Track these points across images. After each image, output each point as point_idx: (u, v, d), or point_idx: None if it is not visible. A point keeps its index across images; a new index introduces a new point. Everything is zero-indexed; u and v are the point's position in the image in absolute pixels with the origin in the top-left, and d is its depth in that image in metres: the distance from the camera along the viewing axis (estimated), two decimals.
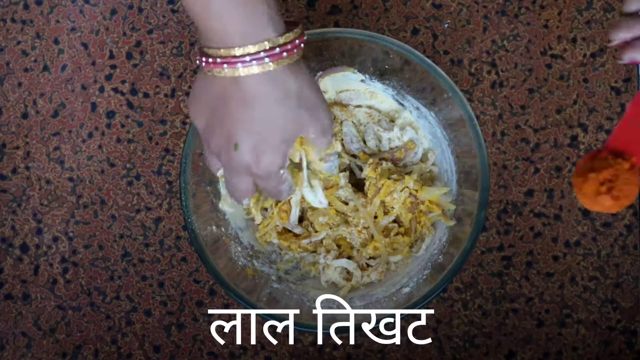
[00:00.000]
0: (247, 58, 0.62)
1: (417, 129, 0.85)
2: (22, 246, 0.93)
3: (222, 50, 0.62)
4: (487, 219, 0.91)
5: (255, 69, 0.62)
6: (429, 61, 0.77)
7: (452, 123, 0.79)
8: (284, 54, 0.63)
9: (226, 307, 0.92)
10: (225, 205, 0.81)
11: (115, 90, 0.94)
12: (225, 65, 0.62)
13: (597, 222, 0.92)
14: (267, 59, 0.62)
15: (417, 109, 0.84)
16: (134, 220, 0.93)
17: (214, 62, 0.63)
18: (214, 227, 0.82)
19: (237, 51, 0.62)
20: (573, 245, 0.92)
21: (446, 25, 0.94)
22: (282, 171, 0.69)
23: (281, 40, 0.63)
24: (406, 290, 0.80)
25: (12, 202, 0.93)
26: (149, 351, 0.92)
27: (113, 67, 0.94)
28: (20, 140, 0.93)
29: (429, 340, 0.92)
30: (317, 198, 0.77)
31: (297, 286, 0.84)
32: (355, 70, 0.84)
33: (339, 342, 0.92)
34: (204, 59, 0.64)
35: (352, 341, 0.92)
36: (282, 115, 0.65)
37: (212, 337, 0.92)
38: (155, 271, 0.92)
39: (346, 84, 0.85)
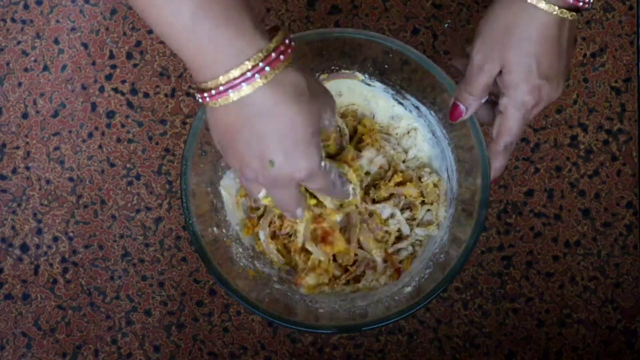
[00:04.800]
0: (248, 74, 0.61)
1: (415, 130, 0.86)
2: (22, 246, 0.93)
3: (220, 77, 0.61)
4: (487, 218, 0.91)
5: (259, 82, 0.61)
6: (429, 61, 0.77)
7: (452, 122, 0.79)
8: (281, 57, 0.62)
9: (226, 307, 0.92)
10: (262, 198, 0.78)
11: (115, 90, 0.94)
12: (230, 91, 0.61)
13: (597, 222, 0.92)
14: (267, 69, 0.61)
15: (417, 108, 0.84)
16: (134, 220, 0.93)
17: (218, 93, 0.61)
18: (215, 229, 0.81)
19: (236, 72, 0.61)
20: (573, 245, 0.92)
21: (446, 25, 0.94)
22: (322, 163, 0.67)
23: (272, 44, 0.62)
24: (407, 289, 0.80)
25: (12, 202, 0.93)
26: (149, 351, 0.92)
27: (113, 67, 0.94)
28: (20, 140, 0.93)
29: (428, 340, 0.92)
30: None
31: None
32: (363, 78, 0.84)
33: (339, 342, 0.92)
34: (204, 95, 0.62)
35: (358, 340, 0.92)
36: (301, 113, 0.63)
37: (212, 337, 0.92)
38: (155, 271, 0.92)
39: (351, 95, 0.85)
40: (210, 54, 0.61)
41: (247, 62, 0.60)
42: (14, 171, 0.93)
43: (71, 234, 0.93)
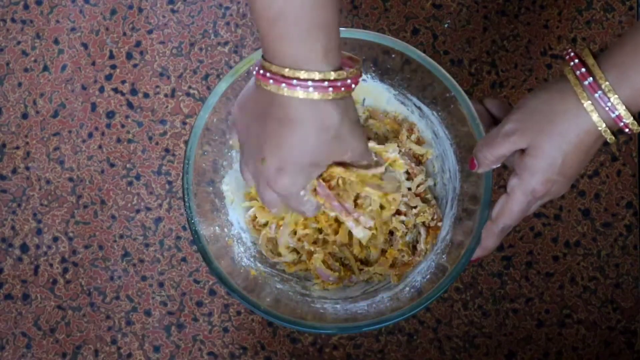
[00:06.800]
0: (294, 82, 0.62)
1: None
2: (22, 246, 0.93)
3: (273, 66, 0.63)
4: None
5: (299, 93, 0.63)
6: (431, 60, 0.77)
7: (454, 122, 0.79)
8: (330, 89, 0.63)
9: (226, 307, 0.92)
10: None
11: (115, 90, 0.94)
12: (271, 81, 0.63)
13: (597, 222, 0.92)
14: (311, 89, 0.63)
15: (419, 108, 0.84)
16: (134, 220, 0.93)
17: (263, 75, 0.63)
18: (216, 228, 0.81)
19: (287, 72, 0.62)
20: (573, 245, 0.92)
21: (446, 25, 0.94)
22: (302, 193, 0.70)
23: (332, 75, 0.63)
24: (408, 290, 0.80)
25: (12, 202, 0.93)
26: (149, 351, 0.92)
27: (113, 67, 0.94)
28: (20, 140, 0.93)
29: (428, 341, 0.92)
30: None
31: (300, 286, 0.84)
32: (365, 78, 0.84)
33: (339, 342, 0.92)
34: (256, 68, 0.64)
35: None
36: (313, 144, 0.66)
37: (212, 337, 0.92)
38: (155, 271, 0.92)
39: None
40: (279, 45, 0.62)
41: (302, 72, 0.62)
42: (14, 171, 0.93)
43: (71, 234, 0.93)
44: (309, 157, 0.66)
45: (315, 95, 0.63)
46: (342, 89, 0.64)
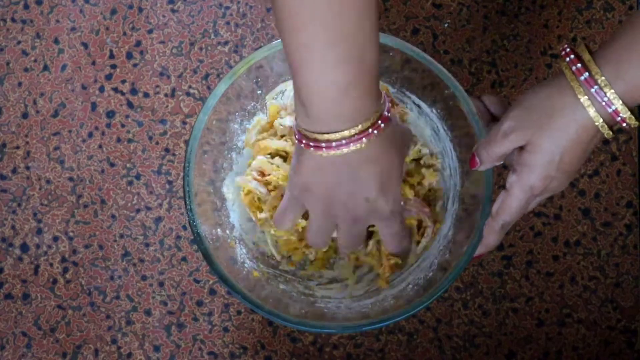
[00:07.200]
0: (369, 130, 0.65)
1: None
2: (22, 246, 0.93)
3: (346, 132, 0.64)
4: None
5: (374, 137, 0.65)
6: (430, 58, 0.77)
7: (454, 120, 0.79)
8: (388, 113, 0.67)
9: (226, 307, 0.92)
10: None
11: (115, 90, 0.94)
12: (351, 144, 0.65)
13: (597, 222, 0.92)
14: (382, 125, 0.66)
15: (419, 106, 0.84)
16: (134, 220, 0.93)
17: (338, 146, 0.65)
18: (218, 230, 0.81)
19: (357, 129, 0.64)
20: (573, 245, 0.92)
21: (446, 25, 0.94)
22: (402, 203, 0.75)
23: (382, 103, 0.66)
24: (412, 288, 0.80)
25: (12, 202, 0.93)
26: (149, 351, 0.92)
27: (113, 67, 0.94)
28: (20, 140, 0.93)
29: (428, 340, 0.92)
30: None
31: (302, 286, 0.84)
32: None
33: (339, 341, 0.92)
34: (320, 145, 0.65)
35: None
36: (397, 156, 0.69)
37: (212, 336, 0.92)
38: (155, 271, 0.92)
39: None
40: (346, 114, 0.64)
41: (370, 119, 0.65)
42: (14, 171, 0.93)
43: (71, 234, 0.93)
44: (399, 168, 0.70)
45: (384, 128, 0.66)
46: (390, 105, 0.68)
